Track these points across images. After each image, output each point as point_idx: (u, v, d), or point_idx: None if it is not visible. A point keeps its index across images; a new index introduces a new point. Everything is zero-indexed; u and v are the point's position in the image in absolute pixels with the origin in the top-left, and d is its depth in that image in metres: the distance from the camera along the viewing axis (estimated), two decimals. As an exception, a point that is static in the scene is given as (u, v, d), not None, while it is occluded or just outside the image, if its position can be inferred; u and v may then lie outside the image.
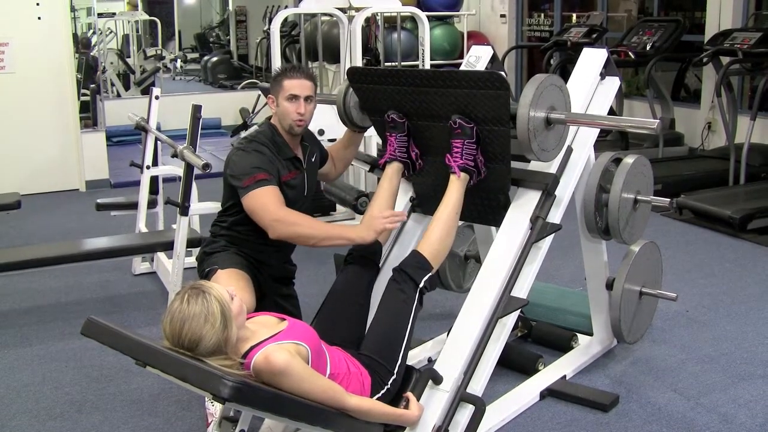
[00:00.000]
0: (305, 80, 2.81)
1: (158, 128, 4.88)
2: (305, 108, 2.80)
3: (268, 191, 2.65)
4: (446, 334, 2.79)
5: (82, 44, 9.76)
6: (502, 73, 2.96)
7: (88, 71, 8.82)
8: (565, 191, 2.79)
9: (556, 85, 2.63)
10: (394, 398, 2.38)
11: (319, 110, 5.14)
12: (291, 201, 2.79)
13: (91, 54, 9.72)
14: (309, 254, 3.46)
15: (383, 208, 2.76)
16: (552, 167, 2.75)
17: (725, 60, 6.20)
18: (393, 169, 2.83)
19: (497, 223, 2.79)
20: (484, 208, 2.86)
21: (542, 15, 9.74)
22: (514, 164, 2.70)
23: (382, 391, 2.35)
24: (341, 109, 3.03)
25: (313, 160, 2.99)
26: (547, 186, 2.72)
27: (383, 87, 2.78)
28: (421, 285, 2.48)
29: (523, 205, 2.73)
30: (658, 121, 2.57)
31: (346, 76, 2.92)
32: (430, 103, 2.69)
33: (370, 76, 2.83)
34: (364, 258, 2.72)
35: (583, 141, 2.88)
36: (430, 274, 2.52)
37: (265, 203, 2.63)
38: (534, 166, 2.78)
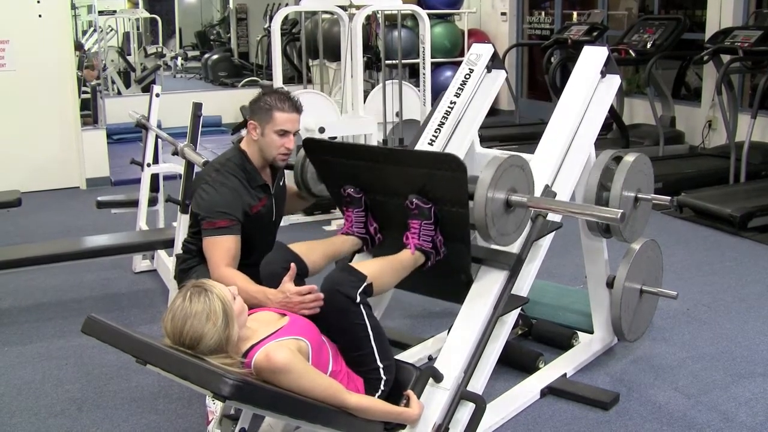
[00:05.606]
0: (296, 114, 2.74)
1: (159, 126, 4.88)
2: (293, 143, 2.76)
3: (223, 242, 2.60)
4: (447, 332, 2.79)
5: (75, 47, 9.73)
6: (457, 155, 2.61)
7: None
8: (564, 189, 2.79)
9: (517, 165, 2.52)
10: (389, 396, 2.37)
11: (320, 108, 5.21)
12: (259, 228, 2.76)
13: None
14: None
15: (319, 255, 2.60)
16: (515, 247, 2.62)
17: (726, 58, 6.20)
18: (350, 240, 2.75)
19: (459, 301, 2.65)
20: (447, 286, 2.75)
21: (543, 13, 9.74)
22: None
23: (377, 393, 2.34)
24: (298, 178, 2.99)
25: (281, 184, 2.94)
26: (512, 266, 2.60)
27: (340, 160, 2.70)
28: (358, 299, 2.31)
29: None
30: (621, 210, 2.41)
31: (302, 146, 2.83)
32: (387, 180, 2.61)
33: (327, 149, 2.77)
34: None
35: (582, 139, 2.88)
36: (364, 284, 2.34)
37: (215, 255, 2.59)
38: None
